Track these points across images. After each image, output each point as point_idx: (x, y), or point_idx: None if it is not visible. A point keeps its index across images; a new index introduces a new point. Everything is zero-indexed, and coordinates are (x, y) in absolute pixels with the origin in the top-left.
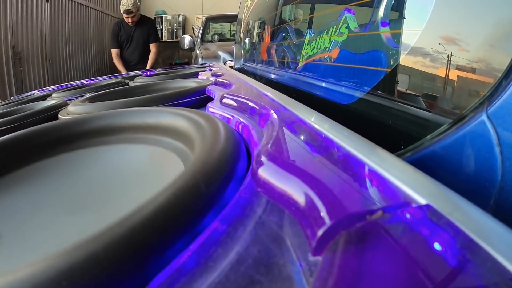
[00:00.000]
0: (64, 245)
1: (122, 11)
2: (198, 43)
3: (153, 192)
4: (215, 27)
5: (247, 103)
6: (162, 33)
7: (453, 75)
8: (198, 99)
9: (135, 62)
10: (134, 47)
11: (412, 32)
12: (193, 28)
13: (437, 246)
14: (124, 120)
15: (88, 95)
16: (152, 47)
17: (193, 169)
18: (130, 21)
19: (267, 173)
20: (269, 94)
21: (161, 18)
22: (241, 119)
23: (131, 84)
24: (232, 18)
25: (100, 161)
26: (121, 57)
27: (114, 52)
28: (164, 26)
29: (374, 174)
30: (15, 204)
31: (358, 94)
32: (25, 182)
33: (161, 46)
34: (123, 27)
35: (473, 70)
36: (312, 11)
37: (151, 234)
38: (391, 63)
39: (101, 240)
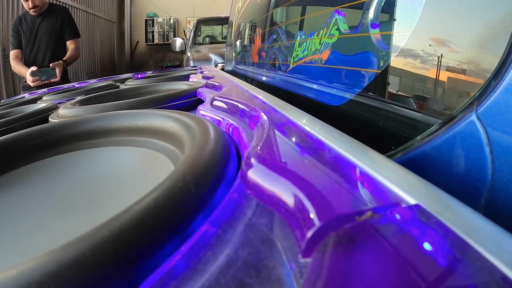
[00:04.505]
0: (53, 247)
1: None
2: (189, 45)
3: (143, 195)
4: (206, 30)
5: (238, 105)
6: (153, 36)
7: (443, 76)
8: (189, 102)
9: (42, 65)
10: (39, 45)
11: (402, 33)
12: (184, 30)
13: (427, 246)
14: (114, 122)
15: (78, 98)
16: (71, 44)
17: (182, 171)
18: (30, 6)
19: (257, 175)
20: (259, 96)
21: (152, 20)
22: (231, 121)
23: (122, 86)
24: (223, 21)
25: (90, 163)
26: (23, 60)
27: (13, 54)
28: (156, 28)
29: (364, 175)
30: (4, 207)
31: (348, 96)
32: (15, 185)
33: (152, 48)
34: (25, 21)
35: (463, 71)
36: (303, 13)
37: (141, 237)
38: (382, 64)
39: (90, 242)
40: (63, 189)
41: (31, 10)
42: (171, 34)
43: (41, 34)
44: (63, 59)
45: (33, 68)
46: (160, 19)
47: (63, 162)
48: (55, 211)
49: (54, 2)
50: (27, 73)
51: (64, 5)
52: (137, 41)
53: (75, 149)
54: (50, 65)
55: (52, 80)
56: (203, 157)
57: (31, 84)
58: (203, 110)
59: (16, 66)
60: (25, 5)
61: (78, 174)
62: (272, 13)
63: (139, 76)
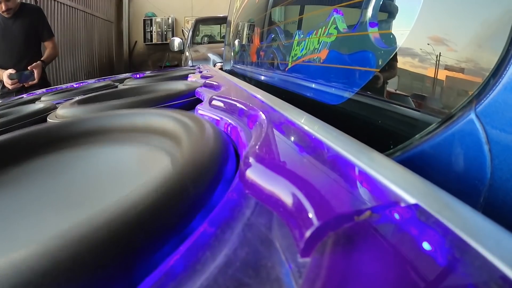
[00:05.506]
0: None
1: None
2: (187, 45)
3: (141, 193)
4: (204, 29)
5: (236, 105)
6: (151, 36)
7: (442, 75)
8: (188, 101)
9: (18, 67)
10: (13, 47)
11: (401, 32)
12: (182, 30)
13: (426, 245)
14: (112, 122)
15: (77, 98)
16: (49, 44)
17: (181, 171)
18: (4, 9)
19: (255, 174)
20: (258, 96)
21: (151, 20)
22: (230, 121)
23: (121, 86)
24: (221, 20)
25: (87, 162)
26: None
27: None
28: (154, 28)
29: (363, 174)
30: (1, 205)
31: (347, 95)
32: (12, 184)
33: (151, 48)
34: None
35: (461, 70)
36: (301, 12)
37: (139, 237)
38: (380, 63)
39: (88, 242)
40: (60, 187)
41: (4, 12)
42: (170, 34)
43: (15, 35)
44: (42, 59)
45: (11, 71)
46: (158, 19)
47: (60, 160)
48: (53, 209)
49: (52, 2)
50: (4, 76)
51: (64, 6)
52: (136, 41)
53: (72, 147)
54: (28, 67)
55: (30, 83)
56: (201, 157)
57: (10, 87)
58: (202, 110)
59: None
60: None
61: (75, 172)
62: (271, 12)
63: (138, 76)
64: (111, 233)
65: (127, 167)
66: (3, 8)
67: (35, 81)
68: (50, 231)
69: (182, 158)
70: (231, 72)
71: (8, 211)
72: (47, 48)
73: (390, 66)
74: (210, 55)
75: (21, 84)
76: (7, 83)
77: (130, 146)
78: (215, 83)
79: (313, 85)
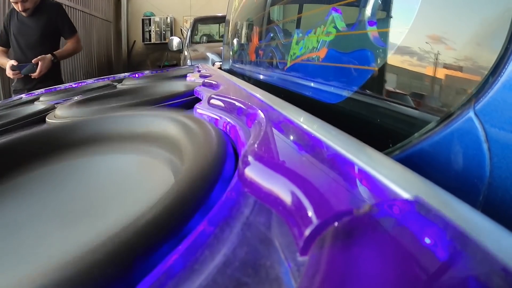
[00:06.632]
0: (54, 254)
1: None
2: (186, 44)
3: (140, 195)
4: (203, 29)
5: (234, 104)
6: (150, 35)
7: (440, 73)
8: (186, 101)
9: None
10: (27, 42)
11: (399, 31)
12: (181, 29)
13: (426, 241)
14: (111, 124)
15: (76, 98)
16: (69, 42)
17: (179, 171)
18: (21, 9)
19: (254, 173)
20: (256, 95)
21: (149, 20)
22: (228, 120)
23: (120, 86)
24: (220, 19)
25: (88, 168)
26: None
27: None
28: (152, 28)
29: (362, 173)
30: (2, 216)
31: (346, 93)
32: (12, 196)
33: (150, 48)
34: (16, 18)
35: (460, 68)
36: (299, 11)
37: (137, 237)
38: (379, 62)
39: (87, 242)
40: (61, 198)
41: (22, 12)
42: (168, 33)
43: (31, 32)
44: (54, 52)
45: (13, 62)
46: (157, 19)
47: (59, 169)
48: (54, 219)
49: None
50: (7, 66)
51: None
52: (134, 41)
53: (71, 154)
54: (33, 60)
55: (32, 76)
56: (200, 156)
57: (11, 77)
58: (200, 109)
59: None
60: (15, 7)
61: (77, 181)
62: (269, 11)
63: (137, 75)
64: (110, 232)
65: (126, 167)
66: (20, 8)
67: (36, 74)
68: (51, 243)
69: (180, 158)
70: (230, 71)
71: (8, 222)
72: (68, 44)
73: (389, 64)
74: (209, 54)
75: (22, 75)
76: (9, 73)
77: (129, 146)
78: (213, 82)
79: (312, 84)
